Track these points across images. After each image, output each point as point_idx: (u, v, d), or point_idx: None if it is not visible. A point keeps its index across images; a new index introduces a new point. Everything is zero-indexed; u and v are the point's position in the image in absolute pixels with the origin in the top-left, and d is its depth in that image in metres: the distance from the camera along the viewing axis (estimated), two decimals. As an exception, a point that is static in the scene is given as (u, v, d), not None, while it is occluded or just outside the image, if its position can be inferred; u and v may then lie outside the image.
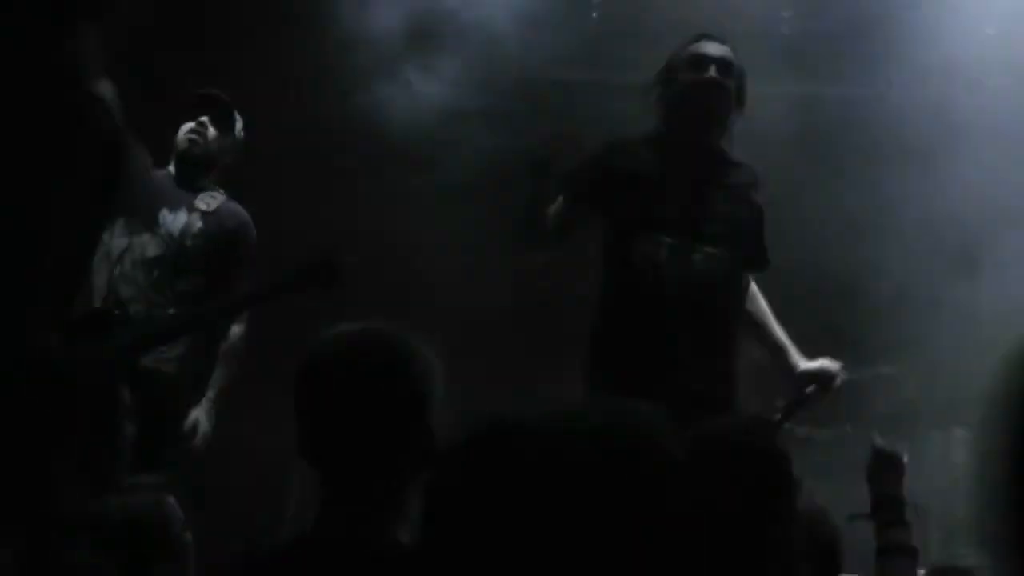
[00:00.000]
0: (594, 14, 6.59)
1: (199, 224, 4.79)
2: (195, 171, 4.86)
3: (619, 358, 3.89)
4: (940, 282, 6.08)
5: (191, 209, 4.81)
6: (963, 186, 5.99)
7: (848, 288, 6.19)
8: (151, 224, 4.75)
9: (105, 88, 4.50)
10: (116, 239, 4.69)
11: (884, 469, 3.23)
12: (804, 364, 4.04)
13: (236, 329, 4.81)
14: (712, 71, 3.98)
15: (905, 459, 3.27)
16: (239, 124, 4.98)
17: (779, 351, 4.10)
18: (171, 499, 3.06)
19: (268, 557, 2.32)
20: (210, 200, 4.86)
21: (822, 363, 4.03)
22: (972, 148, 6.01)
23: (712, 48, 4.03)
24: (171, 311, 4.63)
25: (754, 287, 4.18)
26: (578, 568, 1.50)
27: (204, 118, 4.86)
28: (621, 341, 3.91)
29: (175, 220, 4.77)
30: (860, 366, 4.18)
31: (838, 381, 4.01)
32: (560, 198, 4.06)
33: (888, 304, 6.18)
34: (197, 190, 4.86)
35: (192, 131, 4.85)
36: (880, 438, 3.27)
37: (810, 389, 4.01)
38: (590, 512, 1.52)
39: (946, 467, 6.62)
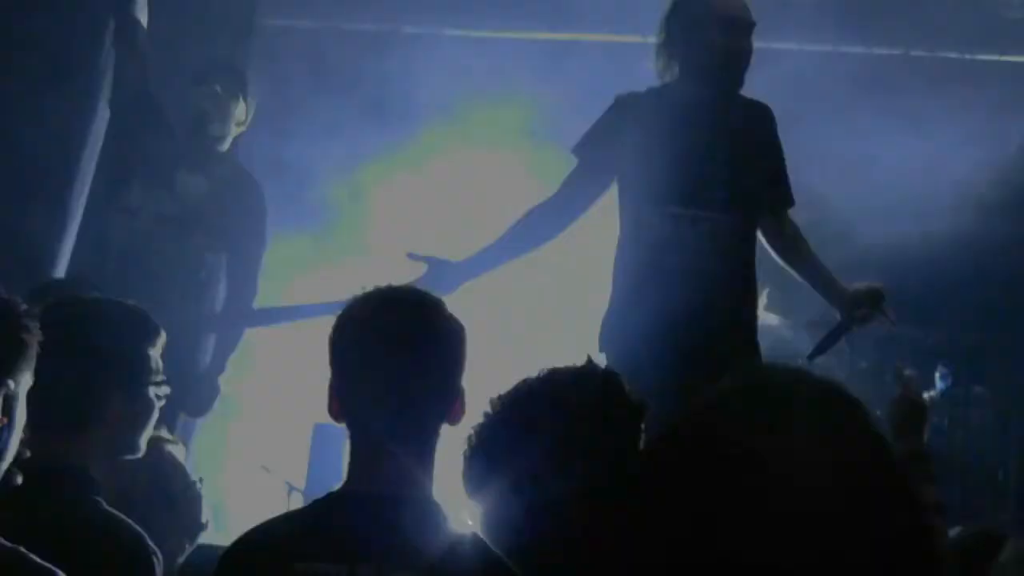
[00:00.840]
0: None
1: (215, 189, 4.80)
2: (209, 136, 4.84)
3: (635, 330, 3.81)
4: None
5: (208, 175, 4.82)
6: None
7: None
8: (168, 184, 4.77)
9: (145, 43, 4.57)
10: (133, 194, 4.75)
11: (910, 418, 3.10)
12: (852, 287, 4.08)
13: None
14: (741, 36, 3.91)
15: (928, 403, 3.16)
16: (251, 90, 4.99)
17: (827, 283, 4.12)
18: (174, 449, 2.99)
19: (306, 512, 2.31)
20: (223, 166, 4.88)
21: (868, 284, 4.08)
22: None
23: (738, 8, 3.95)
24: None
25: (795, 225, 4.14)
26: None
27: (218, 85, 4.84)
28: (636, 313, 3.83)
29: (193, 184, 4.79)
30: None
31: (885, 301, 4.06)
32: (574, 165, 4.00)
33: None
34: (210, 155, 4.85)
35: (206, 97, 4.82)
36: (905, 380, 3.16)
37: (861, 312, 4.05)
38: None
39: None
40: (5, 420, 1.96)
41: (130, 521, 2.44)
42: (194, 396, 4.70)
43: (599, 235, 4.12)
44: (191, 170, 4.80)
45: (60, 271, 4.74)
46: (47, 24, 4.58)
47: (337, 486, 2.25)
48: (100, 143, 4.91)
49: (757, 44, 3.98)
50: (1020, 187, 6.05)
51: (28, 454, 2.04)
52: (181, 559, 2.88)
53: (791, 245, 4.14)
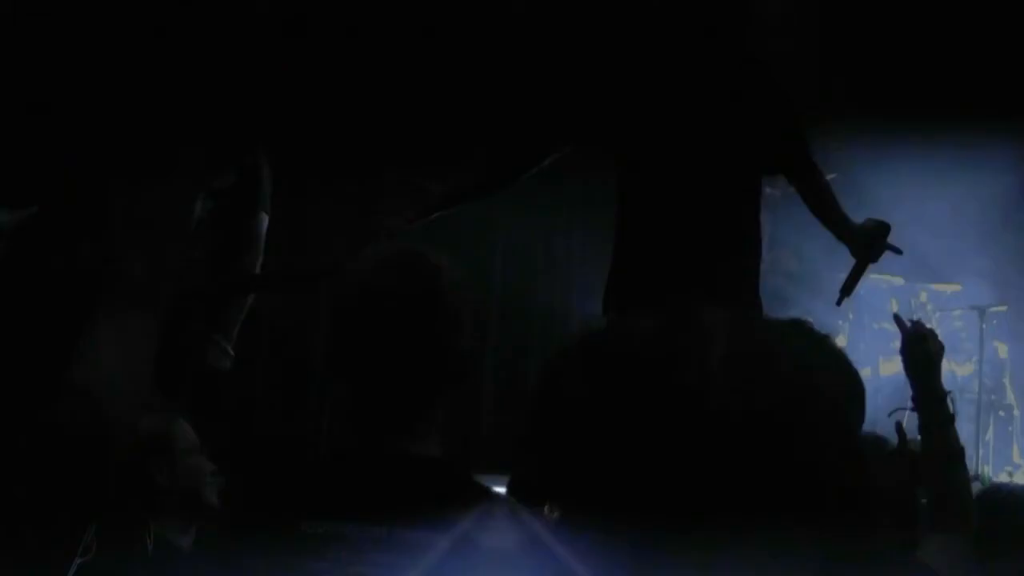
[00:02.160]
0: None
1: (212, 202, 4.82)
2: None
3: (636, 288, 3.84)
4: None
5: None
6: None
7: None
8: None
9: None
10: None
11: (924, 360, 2.99)
12: (860, 225, 3.99)
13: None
14: None
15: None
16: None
17: (841, 222, 4.02)
18: (183, 422, 3.03)
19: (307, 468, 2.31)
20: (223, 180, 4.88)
21: (874, 219, 4.00)
22: None
23: None
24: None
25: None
26: None
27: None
28: (635, 273, 3.89)
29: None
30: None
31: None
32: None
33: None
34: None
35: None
36: (913, 325, 3.06)
37: (876, 245, 3.96)
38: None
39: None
40: None
41: None
42: None
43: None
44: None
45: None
46: None
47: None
48: None
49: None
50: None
51: None
52: None
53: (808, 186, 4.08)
